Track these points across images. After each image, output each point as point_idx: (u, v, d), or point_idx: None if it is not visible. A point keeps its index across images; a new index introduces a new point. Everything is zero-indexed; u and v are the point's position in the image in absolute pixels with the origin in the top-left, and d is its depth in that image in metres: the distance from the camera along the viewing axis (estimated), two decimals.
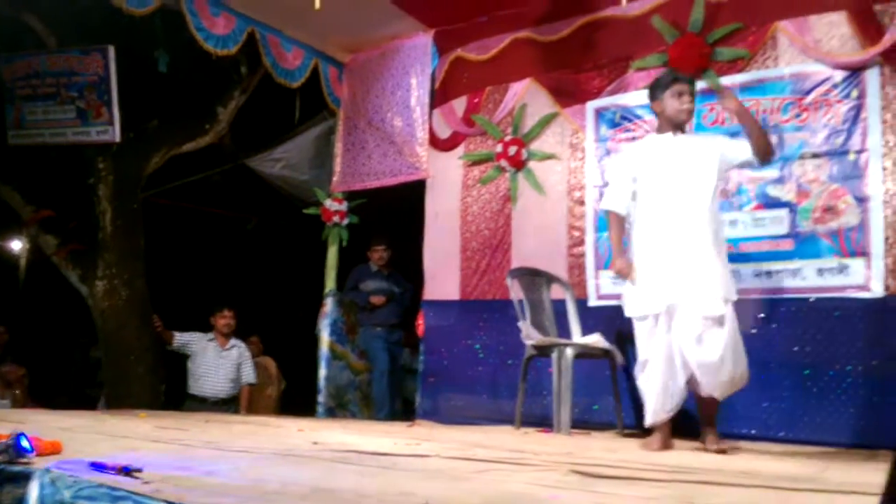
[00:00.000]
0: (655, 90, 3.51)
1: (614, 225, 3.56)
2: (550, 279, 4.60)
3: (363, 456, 2.34)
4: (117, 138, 5.85)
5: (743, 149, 3.40)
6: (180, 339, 5.92)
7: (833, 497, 1.76)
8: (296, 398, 6.82)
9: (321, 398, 5.85)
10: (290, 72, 5.72)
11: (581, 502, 1.66)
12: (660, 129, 3.54)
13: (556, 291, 4.58)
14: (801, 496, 1.80)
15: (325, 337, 5.94)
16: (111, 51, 5.74)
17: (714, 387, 3.22)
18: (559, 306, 4.51)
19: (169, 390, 6.27)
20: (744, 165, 3.50)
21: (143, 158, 6.45)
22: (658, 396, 3.28)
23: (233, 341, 6.01)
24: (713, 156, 3.38)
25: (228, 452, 2.41)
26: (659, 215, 3.37)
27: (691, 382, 3.28)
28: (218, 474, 1.83)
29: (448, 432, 3.90)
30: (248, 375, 6.03)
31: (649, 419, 3.34)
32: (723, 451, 3.21)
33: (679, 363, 3.25)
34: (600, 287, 4.74)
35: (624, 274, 3.47)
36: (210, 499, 1.49)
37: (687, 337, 3.20)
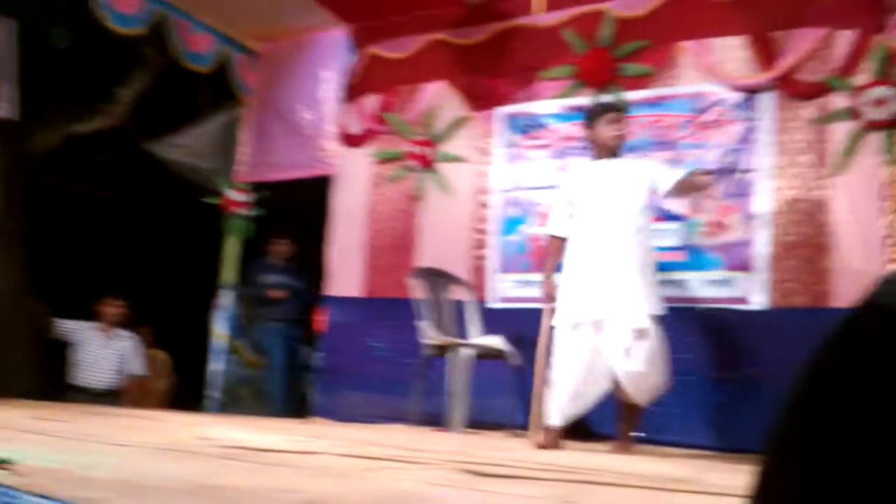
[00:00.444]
0: (589, 119, 3.69)
1: (554, 249, 3.69)
2: (453, 280, 4.64)
3: (251, 452, 2.28)
4: (12, 115, 5.52)
5: (667, 179, 3.55)
6: (64, 326, 5.66)
7: (707, 498, 1.84)
8: (187, 393, 6.62)
9: (213, 393, 5.70)
10: (199, 57, 5.56)
11: (468, 500, 1.67)
12: (595, 155, 3.70)
13: (458, 292, 4.62)
14: (676, 497, 1.88)
15: (220, 330, 5.79)
16: (10, 24, 5.41)
17: (638, 394, 3.40)
18: (460, 307, 4.56)
19: (51, 380, 5.97)
20: (659, 194, 3.65)
21: (34, 138, 6.11)
22: (566, 400, 3.40)
23: (122, 331, 5.80)
24: (643, 180, 3.55)
25: (109, 446, 2.32)
26: (590, 235, 3.53)
27: (617, 390, 3.43)
28: (96, 468, 1.75)
29: (342, 430, 3.87)
30: (137, 367, 5.83)
31: (551, 419, 3.43)
32: (624, 452, 3.38)
33: (603, 373, 3.39)
34: (501, 290, 4.81)
35: (549, 297, 3.61)
36: (85, 493, 1.42)
37: (615, 349, 3.36)
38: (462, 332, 4.44)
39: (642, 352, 3.34)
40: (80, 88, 6.08)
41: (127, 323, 5.89)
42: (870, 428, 0.88)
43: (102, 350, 5.69)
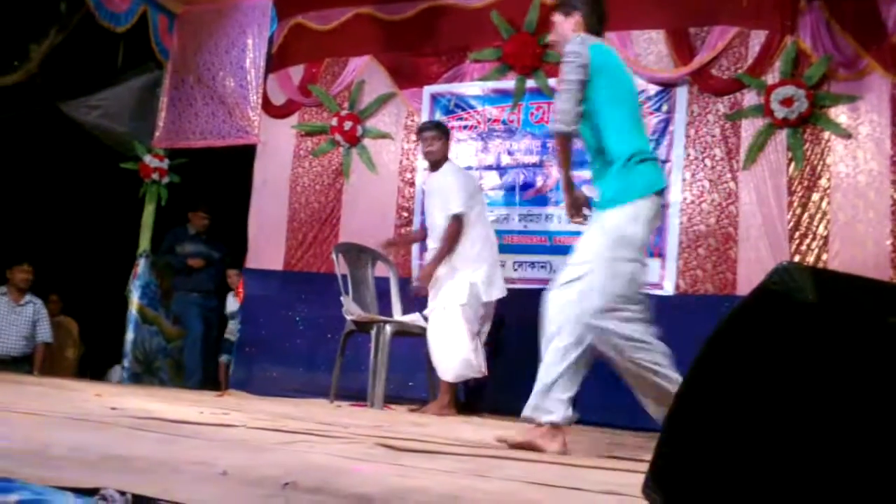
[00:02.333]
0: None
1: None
2: (376, 256, 4.64)
3: (164, 423, 2.26)
4: None
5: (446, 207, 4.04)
6: None
7: (616, 474, 1.92)
8: (99, 362, 6.44)
9: (126, 363, 5.57)
10: (116, 15, 5.35)
11: (383, 474, 1.70)
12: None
13: (381, 269, 4.63)
14: (586, 472, 1.96)
15: (134, 299, 5.64)
16: None
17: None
18: (383, 284, 4.56)
19: None
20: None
21: None
22: None
23: (28, 297, 5.60)
24: (442, 193, 4.06)
25: (15, 414, 2.25)
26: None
27: None
28: (0, 437, 1.71)
29: (260, 403, 3.85)
30: (45, 334, 5.65)
31: None
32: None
33: None
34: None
35: None
36: None
37: None
38: (384, 309, 4.46)
39: (430, 336, 4.03)
40: None
41: (34, 288, 5.69)
42: (753, 405, 0.95)
43: (10, 316, 5.51)
